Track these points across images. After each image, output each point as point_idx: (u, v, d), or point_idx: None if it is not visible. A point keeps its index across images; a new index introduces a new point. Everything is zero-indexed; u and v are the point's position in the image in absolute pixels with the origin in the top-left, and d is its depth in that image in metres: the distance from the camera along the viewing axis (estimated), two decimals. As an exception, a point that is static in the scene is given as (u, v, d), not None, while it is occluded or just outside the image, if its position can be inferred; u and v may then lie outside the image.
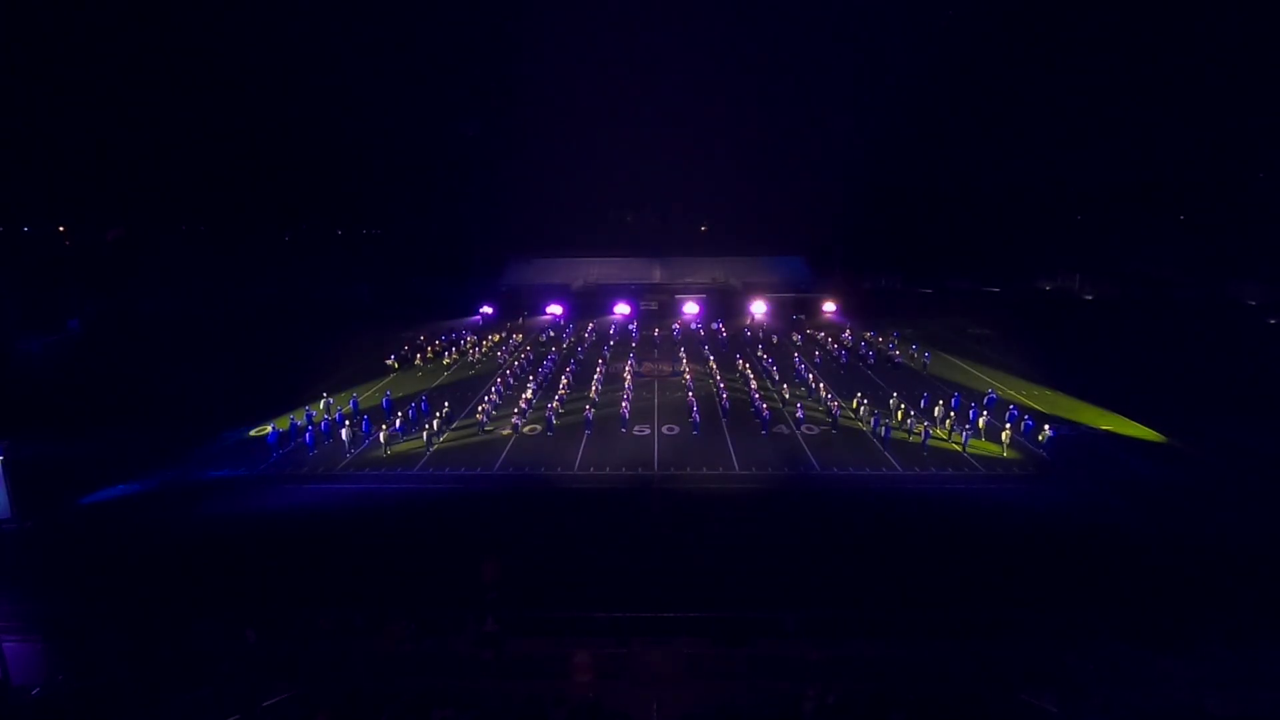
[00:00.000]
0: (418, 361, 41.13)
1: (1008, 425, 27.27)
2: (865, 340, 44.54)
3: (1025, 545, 19.33)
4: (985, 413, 29.37)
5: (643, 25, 69.43)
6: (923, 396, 31.58)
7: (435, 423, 28.56)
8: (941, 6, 60.75)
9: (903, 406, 30.31)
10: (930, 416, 29.29)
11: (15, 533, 20.60)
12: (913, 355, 40.75)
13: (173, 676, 13.07)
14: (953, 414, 29.19)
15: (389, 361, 40.17)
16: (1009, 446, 26.39)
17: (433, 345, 43.96)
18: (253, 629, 14.31)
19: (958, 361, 40.93)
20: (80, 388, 36.98)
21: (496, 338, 47.39)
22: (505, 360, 40.98)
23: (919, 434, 27.14)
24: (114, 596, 16.87)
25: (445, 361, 41.64)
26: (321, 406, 31.77)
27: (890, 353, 41.26)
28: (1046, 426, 26.85)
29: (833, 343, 44.84)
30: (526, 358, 41.77)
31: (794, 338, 47.41)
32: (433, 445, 27.63)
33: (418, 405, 30.81)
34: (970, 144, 71.98)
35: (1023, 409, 29.74)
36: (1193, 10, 55.51)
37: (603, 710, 11.68)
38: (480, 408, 30.81)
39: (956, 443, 27.00)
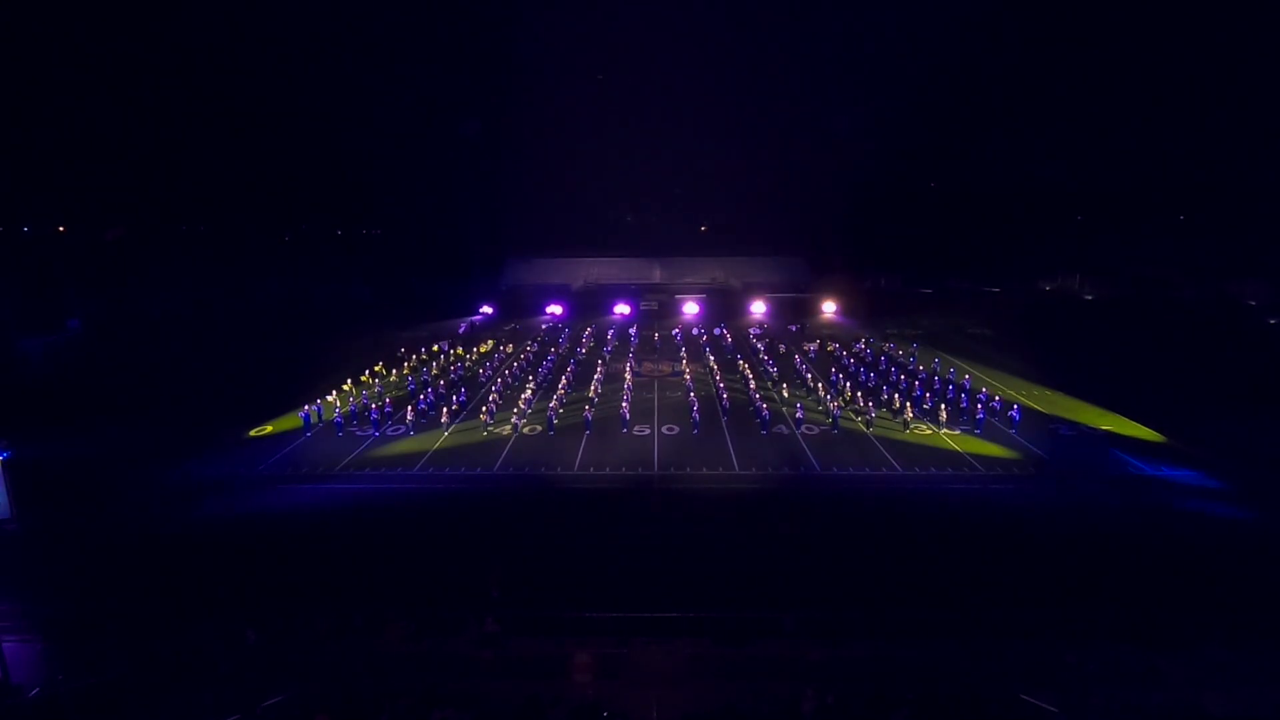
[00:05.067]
0: (393, 377, 37.96)
1: (978, 405, 29.89)
2: (885, 353, 41.66)
3: (1025, 545, 19.31)
4: (963, 394, 31.84)
5: (642, 24, 69.41)
6: (901, 383, 34.26)
7: (453, 406, 31.11)
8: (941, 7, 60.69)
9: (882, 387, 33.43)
10: (910, 398, 31.51)
11: (15, 532, 20.60)
12: (935, 370, 37.47)
13: (173, 676, 13.07)
14: (927, 396, 31.84)
15: (364, 378, 37.40)
16: (976, 423, 28.89)
17: (409, 360, 40.86)
18: (252, 629, 14.31)
19: (960, 362, 40.89)
20: (80, 388, 36.96)
21: (484, 348, 44.41)
22: (489, 376, 37.56)
23: (908, 423, 29.32)
24: (114, 596, 16.86)
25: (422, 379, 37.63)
26: (347, 389, 34.43)
27: (913, 368, 38.44)
28: (1014, 407, 29.53)
29: (847, 356, 41.13)
30: (525, 359, 41.58)
31: (806, 348, 43.45)
32: (449, 428, 29.65)
33: (436, 389, 34.24)
34: (971, 143, 71.95)
35: (992, 394, 32.66)
36: (1193, 10, 55.48)
37: (602, 710, 11.67)
38: (483, 408, 30.91)
39: (930, 429, 29.24)
